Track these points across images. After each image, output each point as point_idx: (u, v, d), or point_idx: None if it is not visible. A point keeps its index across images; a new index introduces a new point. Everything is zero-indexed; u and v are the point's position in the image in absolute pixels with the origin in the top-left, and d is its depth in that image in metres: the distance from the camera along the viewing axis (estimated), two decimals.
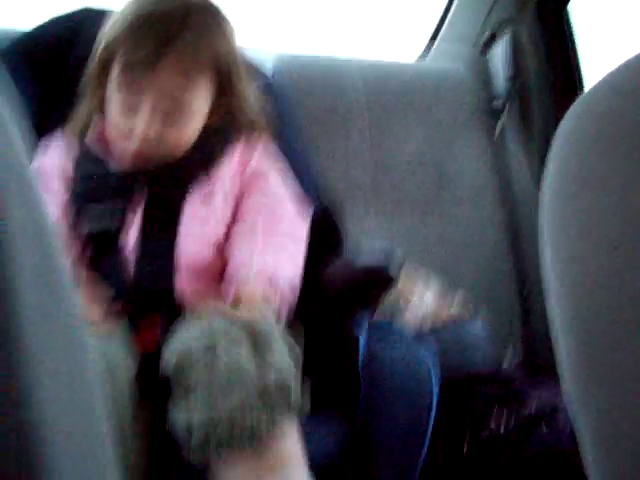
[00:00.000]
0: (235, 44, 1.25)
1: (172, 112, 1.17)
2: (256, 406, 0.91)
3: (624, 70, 0.51)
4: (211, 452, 0.91)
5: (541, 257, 0.55)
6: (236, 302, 1.08)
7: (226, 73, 1.22)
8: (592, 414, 0.47)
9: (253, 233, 1.21)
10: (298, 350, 1.05)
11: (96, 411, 0.50)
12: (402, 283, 1.56)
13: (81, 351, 0.50)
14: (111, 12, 1.24)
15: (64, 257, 0.48)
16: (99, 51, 1.20)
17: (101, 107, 1.23)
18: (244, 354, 0.96)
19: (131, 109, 1.17)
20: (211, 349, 0.96)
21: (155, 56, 1.13)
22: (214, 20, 1.21)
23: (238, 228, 1.23)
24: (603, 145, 0.48)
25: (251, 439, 0.90)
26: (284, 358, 1.00)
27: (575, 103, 0.54)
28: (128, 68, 1.15)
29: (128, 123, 1.17)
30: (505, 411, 1.34)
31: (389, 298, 1.49)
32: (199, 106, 1.21)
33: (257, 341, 0.99)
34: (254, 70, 1.47)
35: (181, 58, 1.15)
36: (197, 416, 0.92)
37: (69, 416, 0.45)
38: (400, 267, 1.18)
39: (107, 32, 1.19)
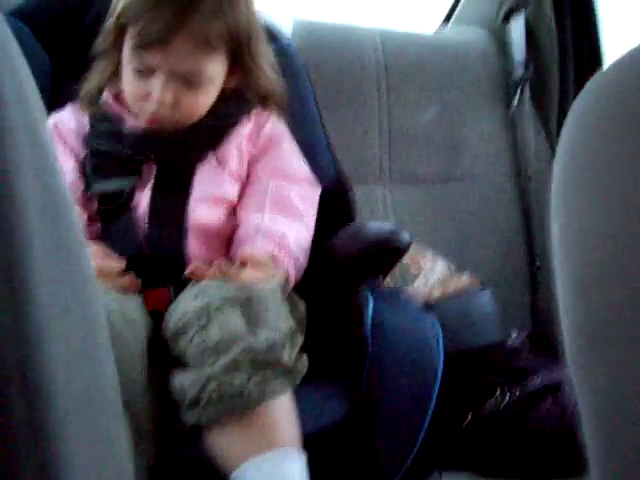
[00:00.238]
0: (253, 12, 1.24)
1: (187, 79, 1.17)
2: (245, 366, 0.92)
3: (633, 55, 0.50)
4: (201, 412, 0.92)
5: (550, 232, 0.55)
6: (243, 263, 1.09)
7: (243, 42, 1.22)
8: (593, 393, 0.47)
9: (265, 196, 1.22)
10: (302, 309, 1.05)
11: (105, 367, 0.51)
12: (412, 253, 1.56)
13: (91, 306, 0.50)
14: None
15: (76, 214, 0.48)
16: (114, 16, 1.19)
17: (116, 72, 1.24)
18: (237, 317, 0.96)
19: (147, 75, 1.17)
20: (204, 311, 0.96)
21: (171, 25, 1.13)
22: None
23: (250, 190, 1.24)
24: (616, 124, 0.48)
25: (239, 400, 0.91)
26: (280, 319, 1.00)
27: (590, 80, 0.53)
28: (144, 36, 1.15)
29: (144, 87, 1.18)
30: (512, 383, 1.34)
31: (399, 266, 1.49)
32: (214, 74, 1.20)
33: (251, 302, 0.99)
34: (273, 34, 1.46)
35: (199, 27, 1.14)
36: (189, 375, 0.93)
37: (78, 371, 0.46)
38: (410, 237, 1.18)
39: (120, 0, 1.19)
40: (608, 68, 0.52)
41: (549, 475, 1.22)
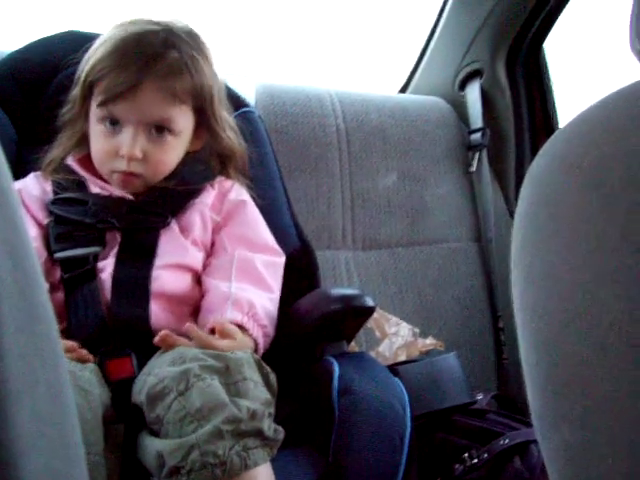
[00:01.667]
0: (215, 74, 1.28)
1: (157, 132, 1.20)
2: (227, 435, 0.90)
3: (592, 112, 0.52)
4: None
5: (512, 294, 0.56)
6: (212, 332, 1.08)
7: (207, 102, 1.25)
8: (558, 449, 0.48)
9: (231, 265, 1.22)
10: (274, 381, 1.05)
11: (73, 430, 0.50)
12: (376, 317, 1.56)
13: (57, 369, 0.50)
14: (97, 36, 1.26)
15: (42, 277, 0.48)
16: (85, 71, 1.22)
17: (81, 140, 1.27)
18: (217, 384, 0.95)
19: (115, 132, 1.20)
20: (184, 377, 0.95)
21: (140, 76, 1.17)
22: (195, 45, 1.25)
23: (216, 259, 1.25)
24: (571, 185, 0.49)
25: (222, 469, 0.89)
26: (257, 389, 0.99)
27: (546, 143, 0.55)
28: (113, 89, 1.18)
29: (113, 143, 1.20)
30: (479, 445, 1.33)
31: (363, 331, 1.50)
32: (182, 127, 1.24)
33: (230, 371, 0.98)
34: (235, 100, 1.48)
35: (166, 78, 1.19)
36: (169, 443, 0.91)
37: (46, 433, 0.45)
38: (374, 302, 1.19)
39: (94, 52, 1.23)
40: (561, 130, 0.54)
41: None
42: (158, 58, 1.18)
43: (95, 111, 1.22)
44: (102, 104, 1.19)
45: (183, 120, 1.24)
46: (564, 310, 0.48)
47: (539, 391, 0.52)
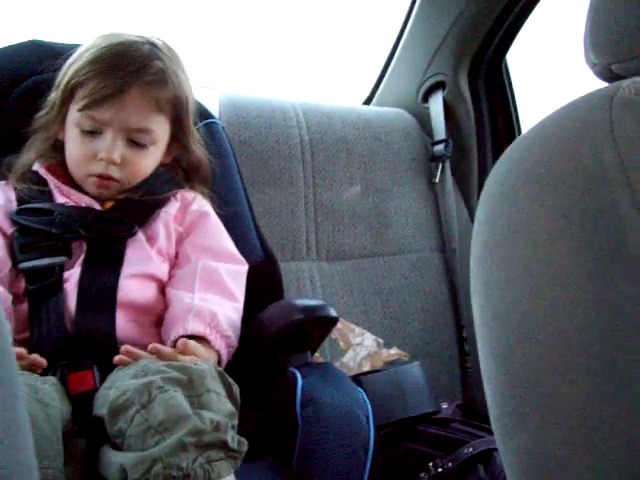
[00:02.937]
0: (190, 89, 1.32)
1: (136, 138, 1.23)
2: (190, 447, 0.90)
3: (548, 122, 0.53)
4: None
5: (472, 302, 0.56)
6: (181, 348, 1.08)
7: (183, 114, 1.29)
8: (517, 455, 0.48)
9: (194, 275, 1.22)
10: (237, 393, 1.04)
11: (29, 459, 0.50)
12: (340, 328, 1.57)
13: (15, 399, 0.49)
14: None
15: None
16: (68, 74, 1.24)
17: (53, 146, 1.29)
18: (179, 396, 0.95)
19: (95, 136, 1.22)
20: (146, 390, 0.94)
21: (124, 85, 1.19)
22: (175, 58, 1.29)
23: (179, 270, 1.25)
24: (530, 195, 0.50)
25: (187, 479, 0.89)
26: (221, 401, 0.99)
27: (504, 152, 0.56)
28: (96, 95, 1.19)
29: (92, 148, 1.22)
30: (444, 454, 1.34)
31: (329, 340, 1.50)
32: (160, 137, 1.27)
33: (193, 383, 0.98)
34: (200, 109, 1.49)
35: (149, 88, 1.22)
36: (131, 457, 0.91)
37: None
38: (337, 313, 1.19)
39: (77, 59, 1.24)
40: (517, 141, 0.55)
41: None
42: (145, 67, 1.22)
43: (75, 115, 1.23)
44: (86, 107, 1.21)
45: (162, 130, 1.27)
46: (521, 319, 0.48)
47: (498, 398, 0.52)
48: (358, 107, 2.26)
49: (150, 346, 1.07)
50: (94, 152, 1.22)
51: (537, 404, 0.48)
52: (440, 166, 2.04)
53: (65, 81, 1.24)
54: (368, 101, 2.30)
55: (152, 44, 1.26)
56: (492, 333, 0.53)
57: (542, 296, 0.48)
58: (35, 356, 1.04)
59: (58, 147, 1.29)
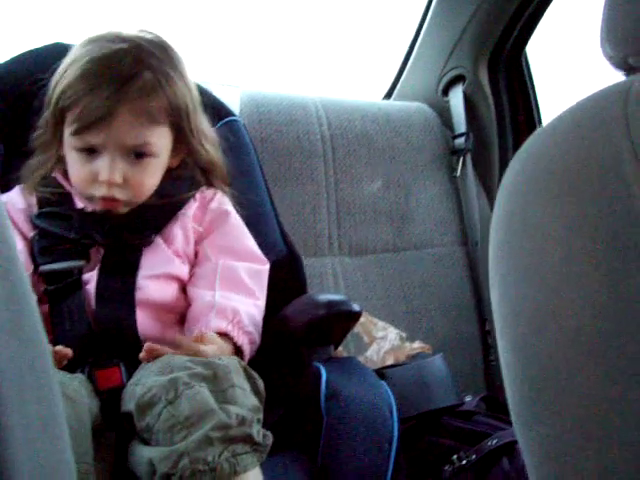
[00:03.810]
0: (190, 87, 1.27)
1: (134, 155, 1.18)
2: (216, 442, 0.91)
3: (564, 117, 0.53)
4: None
5: (491, 295, 0.57)
6: (198, 340, 1.09)
7: (184, 117, 1.24)
8: (537, 443, 0.49)
9: (215, 274, 1.22)
10: (261, 387, 1.06)
11: (66, 454, 0.51)
12: (363, 322, 1.58)
13: (51, 393, 0.50)
14: None
15: (29, 286, 0.49)
16: (54, 97, 1.20)
17: (60, 159, 1.25)
18: (205, 391, 0.96)
19: (92, 157, 1.18)
20: (172, 386, 0.96)
21: (114, 100, 1.14)
22: (169, 58, 1.23)
23: (199, 269, 1.25)
24: (546, 190, 0.51)
25: (212, 475, 0.90)
26: (246, 395, 1.00)
27: (521, 149, 0.56)
28: (87, 116, 1.15)
29: (91, 169, 1.18)
30: (467, 446, 1.34)
31: (351, 336, 1.51)
32: (160, 148, 1.22)
33: (218, 378, 0.99)
34: (220, 107, 1.49)
35: (141, 100, 1.16)
36: (159, 452, 0.92)
37: (41, 458, 0.46)
38: (360, 307, 1.20)
39: (62, 77, 1.20)
40: (534, 138, 0.56)
41: None
42: (131, 81, 1.15)
43: (69, 139, 1.19)
44: (77, 132, 1.17)
45: (161, 140, 1.22)
46: (537, 313, 0.49)
47: (516, 390, 0.53)
48: (378, 102, 2.26)
49: (171, 339, 1.08)
50: (94, 174, 1.17)
51: (553, 396, 0.49)
52: (461, 159, 2.04)
53: (53, 102, 1.20)
54: (388, 95, 2.31)
55: (139, 48, 1.19)
56: (509, 326, 0.54)
57: (557, 291, 0.49)
58: (59, 347, 1.06)
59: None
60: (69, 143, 1.20)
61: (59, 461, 0.50)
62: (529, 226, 0.52)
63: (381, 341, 1.56)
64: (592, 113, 0.54)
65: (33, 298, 0.49)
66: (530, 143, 0.57)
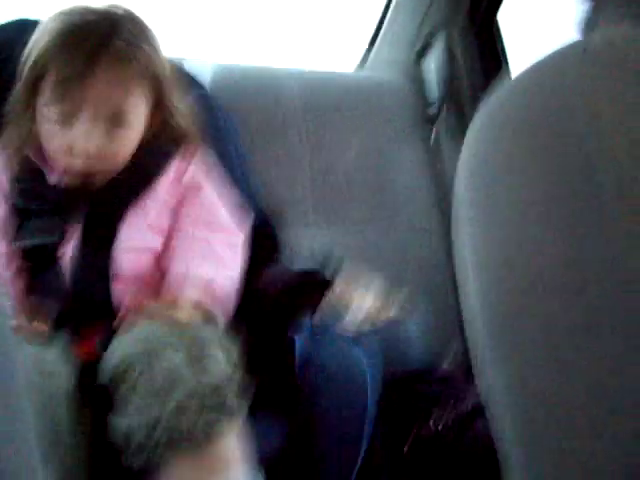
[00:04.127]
0: (162, 56, 1.26)
1: (110, 125, 1.17)
2: (192, 409, 0.92)
3: (526, 74, 0.54)
4: (150, 455, 0.92)
5: (455, 250, 0.58)
6: (171, 306, 1.09)
7: (159, 84, 1.23)
8: (498, 392, 0.50)
9: (190, 244, 1.23)
10: (236, 356, 1.07)
11: (25, 422, 0.51)
12: (341, 286, 1.58)
13: (7, 357, 0.50)
14: None
15: None
16: (26, 68, 1.19)
17: (32, 127, 1.23)
18: (179, 358, 0.97)
19: (67, 125, 1.17)
20: (147, 354, 0.97)
21: (88, 67, 1.13)
22: (141, 30, 1.22)
23: (174, 240, 1.25)
24: (507, 139, 0.52)
25: (188, 441, 0.92)
26: (220, 362, 1.01)
27: (496, 89, 0.58)
28: (61, 83, 1.14)
29: (66, 140, 1.17)
30: (444, 409, 1.36)
31: (329, 300, 1.51)
32: (137, 117, 1.21)
33: (193, 345, 1.00)
34: (190, 81, 1.48)
35: (114, 67, 1.16)
36: (135, 420, 0.93)
37: None
38: (337, 270, 1.21)
39: (33, 48, 1.19)
40: (511, 80, 0.57)
41: None
42: (104, 49, 1.15)
43: (42, 109, 1.18)
44: (50, 102, 1.16)
45: (136, 109, 1.21)
46: (502, 254, 0.50)
47: (478, 338, 0.54)
48: (351, 73, 2.26)
49: (142, 304, 1.10)
50: (69, 146, 1.17)
51: (512, 339, 0.50)
52: (435, 126, 2.05)
53: (26, 74, 1.19)
54: (361, 66, 2.29)
55: (110, 20, 1.19)
56: (473, 271, 0.55)
57: (524, 232, 0.50)
58: (35, 324, 1.06)
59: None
60: (43, 115, 1.19)
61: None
62: (493, 171, 0.54)
63: (357, 309, 1.56)
64: (550, 70, 0.55)
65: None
66: (497, 94, 0.59)
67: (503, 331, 0.50)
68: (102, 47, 1.15)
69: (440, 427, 1.32)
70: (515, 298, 0.49)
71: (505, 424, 0.52)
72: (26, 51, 1.21)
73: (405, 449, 1.33)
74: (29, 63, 1.18)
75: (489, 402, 0.53)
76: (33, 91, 1.19)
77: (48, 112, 1.18)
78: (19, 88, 1.22)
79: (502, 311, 0.50)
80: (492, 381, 0.52)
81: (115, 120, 1.18)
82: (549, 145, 0.49)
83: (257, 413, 1.03)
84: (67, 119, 1.17)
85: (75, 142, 1.17)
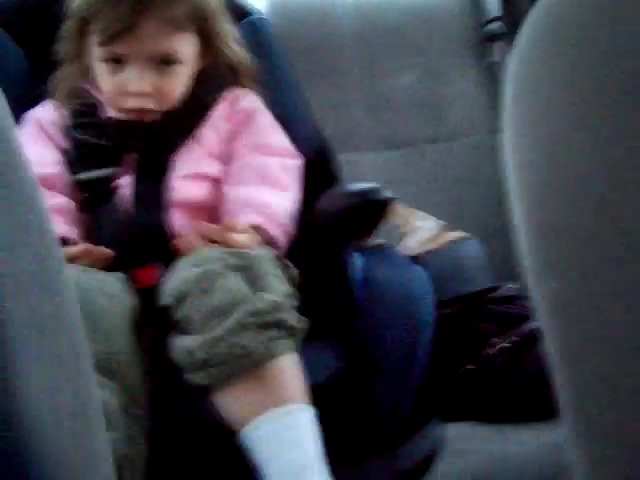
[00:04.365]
0: None
1: (161, 63, 1.18)
2: (251, 327, 0.94)
3: None
4: (210, 373, 0.94)
5: (505, 177, 0.56)
6: (230, 229, 1.10)
7: (209, 20, 1.23)
8: (546, 301, 0.49)
9: (247, 170, 1.23)
10: (295, 275, 1.07)
11: (80, 360, 0.51)
12: (401, 213, 1.57)
13: (57, 274, 0.51)
14: None
15: (44, 209, 0.49)
16: (74, 12, 1.20)
17: (86, 72, 1.25)
18: (238, 279, 0.98)
19: (120, 68, 1.18)
20: (207, 275, 0.98)
21: (135, 12, 1.14)
22: None
23: (232, 167, 1.25)
24: (564, 49, 0.49)
25: (248, 358, 0.93)
26: (279, 282, 1.02)
27: (538, 5, 0.55)
28: (110, 26, 1.15)
29: (119, 80, 1.19)
30: (508, 329, 1.35)
31: (391, 225, 1.51)
32: (187, 55, 1.22)
33: (252, 267, 1.01)
34: (243, 10, 1.47)
35: (163, 8, 1.15)
36: (196, 340, 0.95)
37: (50, 368, 0.47)
38: (392, 194, 1.19)
39: None
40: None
41: (546, 417, 1.23)
42: None
43: (95, 50, 1.19)
44: (103, 43, 1.17)
45: (187, 47, 1.21)
46: (548, 164, 0.48)
47: (528, 243, 0.53)
48: None
49: (196, 226, 1.11)
50: (123, 85, 1.18)
51: (564, 245, 0.48)
52: (496, 45, 1.99)
53: (75, 13, 1.20)
54: None
55: None
56: (522, 186, 0.53)
57: (566, 139, 0.48)
58: (101, 248, 1.09)
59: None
60: (95, 53, 1.20)
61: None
62: (546, 91, 0.51)
63: (420, 230, 1.56)
64: None
65: (43, 208, 0.48)
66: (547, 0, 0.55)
67: (539, 249, 0.48)
68: None
69: (505, 345, 1.31)
70: (561, 202, 0.47)
71: (550, 348, 0.51)
72: None
73: (470, 367, 1.33)
74: (78, 2, 1.19)
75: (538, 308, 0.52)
76: (84, 30, 1.21)
77: (100, 53, 1.19)
78: (69, 27, 1.23)
79: (541, 229, 0.48)
80: (534, 302, 0.51)
81: (166, 59, 1.19)
82: (604, 59, 0.46)
83: (314, 335, 1.03)
84: (118, 61, 1.18)
85: (127, 83, 1.18)
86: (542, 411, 1.27)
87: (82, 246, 1.10)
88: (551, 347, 0.52)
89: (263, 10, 1.68)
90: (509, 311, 1.40)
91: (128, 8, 1.14)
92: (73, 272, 0.99)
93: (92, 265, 1.07)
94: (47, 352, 0.45)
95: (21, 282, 0.43)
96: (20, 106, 1.29)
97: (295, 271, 1.07)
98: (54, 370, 0.46)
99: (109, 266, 1.10)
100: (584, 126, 0.46)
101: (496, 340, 1.33)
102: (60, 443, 0.45)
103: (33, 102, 1.31)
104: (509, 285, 1.54)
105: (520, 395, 1.31)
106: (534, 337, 1.31)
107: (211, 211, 1.23)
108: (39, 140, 1.25)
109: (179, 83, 1.23)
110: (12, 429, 0.41)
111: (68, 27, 1.24)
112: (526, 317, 1.37)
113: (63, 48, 1.26)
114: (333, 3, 1.96)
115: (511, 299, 1.45)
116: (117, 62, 1.18)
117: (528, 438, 1.27)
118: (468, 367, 1.32)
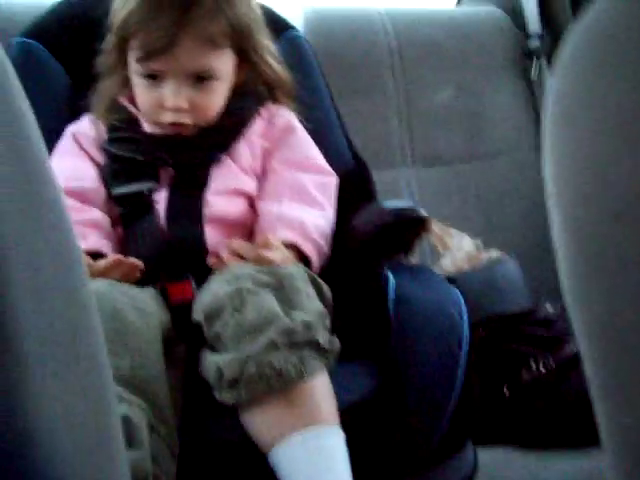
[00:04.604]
0: (251, 5, 1.26)
1: (198, 80, 1.19)
2: (282, 346, 0.92)
3: None
4: (241, 392, 0.93)
5: (545, 188, 0.54)
6: (263, 246, 1.10)
7: (246, 37, 1.23)
8: (590, 323, 0.47)
9: (282, 187, 1.23)
10: (328, 294, 1.06)
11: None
12: (438, 231, 1.55)
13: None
14: None
15: (66, 218, 0.48)
16: (114, 27, 1.21)
17: (126, 83, 1.26)
18: (270, 297, 0.97)
19: (157, 83, 1.19)
20: (239, 293, 0.97)
21: (173, 30, 1.14)
22: None
23: (267, 183, 1.26)
24: (604, 66, 0.48)
25: (279, 379, 0.92)
26: (311, 301, 1.01)
27: (579, 21, 0.53)
28: (147, 47, 1.16)
29: (156, 95, 1.20)
30: (546, 352, 1.33)
31: (427, 244, 1.49)
32: (224, 71, 1.23)
33: (284, 285, 1.00)
34: (281, 25, 1.47)
35: (201, 25, 1.16)
36: (226, 357, 0.94)
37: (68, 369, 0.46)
38: (427, 213, 1.18)
39: (118, 11, 1.20)
40: (596, 8, 0.52)
41: (586, 443, 1.20)
42: (192, 7, 1.15)
43: (134, 65, 1.21)
44: (141, 60, 1.18)
45: (224, 64, 1.22)
46: (592, 184, 0.46)
47: (569, 266, 0.51)
48: (446, 9, 2.19)
49: (230, 243, 1.11)
50: (160, 100, 1.19)
51: (609, 268, 0.46)
52: (536, 62, 1.97)
53: (116, 29, 1.21)
54: (459, 2, 2.23)
55: None
56: (563, 201, 0.51)
57: (614, 162, 0.46)
58: (131, 258, 1.09)
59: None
60: (134, 68, 1.22)
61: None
62: (590, 91, 0.49)
63: (456, 250, 1.54)
64: None
65: (67, 223, 0.48)
66: (588, 16, 0.54)
67: (579, 271, 0.47)
68: (190, 6, 1.15)
69: (542, 370, 1.28)
70: (607, 229, 0.45)
71: (588, 371, 0.49)
72: (115, 3, 1.22)
73: (505, 390, 1.31)
74: (119, 19, 1.20)
75: (579, 335, 0.50)
76: (124, 45, 1.22)
77: (138, 68, 1.20)
78: (109, 42, 1.24)
79: (581, 247, 0.47)
80: (574, 325, 0.49)
81: (203, 75, 1.19)
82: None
83: (347, 356, 1.02)
84: (155, 77, 1.19)
85: (165, 98, 1.19)
86: (578, 437, 1.24)
87: (112, 257, 1.10)
88: (591, 373, 0.50)
89: (299, 26, 1.68)
90: (546, 334, 1.37)
91: (167, 26, 1.15)
92: (105, 287, 1.00)
93: (124, 278, 1.07)
94: (64, 368, 0.44)
95: (41, 297, 0.43)
96: (60, 121, 1.31)
97: (328, 289, 1.06)
98: (71, 386, 0.45)
99: (142, 280, 1.10)
100: (626, 143, 0.45)
101: (532, 364, 1.30)
102: (75, 460, 0.44)
103: (72, 117, 1.33)
104: (547, 306, 1.51)
105: (556, 421, 1.28)
106: (572, 362, 1.28)
107: (245, 227, 1.22)
108: (77, 154, 1.27)
109: (216, 98, 1.23)
110: (26, 446, 0.40)
111: (108, 42, 1.25)
112: (563, 340, 1.34)
113: (103, 62, 1.28)
114: (369, 18, 1.96)
115: (549, 322, 1.42)
116: (154, 78, 1.19)
117: (563, 465, 1.24)
118: (503, 390, 1.30)
